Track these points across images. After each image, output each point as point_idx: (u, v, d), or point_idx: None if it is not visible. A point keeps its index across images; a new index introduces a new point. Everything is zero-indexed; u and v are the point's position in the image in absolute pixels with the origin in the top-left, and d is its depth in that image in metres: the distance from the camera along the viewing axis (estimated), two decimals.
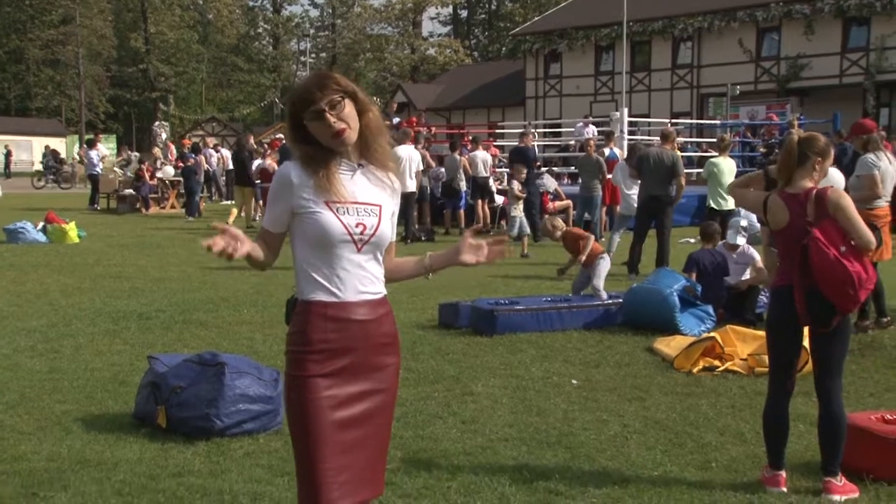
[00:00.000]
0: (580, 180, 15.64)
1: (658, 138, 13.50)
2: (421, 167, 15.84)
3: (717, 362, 6.56)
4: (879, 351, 7.14)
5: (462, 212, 17.20)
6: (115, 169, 25.59)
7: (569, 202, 16.15)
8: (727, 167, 11.67)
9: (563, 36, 39.22)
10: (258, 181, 18.79)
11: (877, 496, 4.13)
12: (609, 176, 14.90)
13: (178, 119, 60.29)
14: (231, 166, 21.87)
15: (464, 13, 72.65)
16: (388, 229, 2.74)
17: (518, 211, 13.85)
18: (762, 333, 5.63)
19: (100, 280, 10.88)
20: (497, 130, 29.18)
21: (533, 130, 22.44)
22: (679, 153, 12.21)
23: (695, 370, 6.45)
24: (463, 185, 17.04)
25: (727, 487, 4.22)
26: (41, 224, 15.52)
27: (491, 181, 17.73)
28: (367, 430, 2.69)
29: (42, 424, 5.14)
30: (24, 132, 57.16)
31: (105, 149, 30.21)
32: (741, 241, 8.85)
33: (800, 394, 4.69)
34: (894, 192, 8.18)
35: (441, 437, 4.95)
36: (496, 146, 23.55)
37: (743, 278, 8.63)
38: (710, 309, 8.02)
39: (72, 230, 15.38)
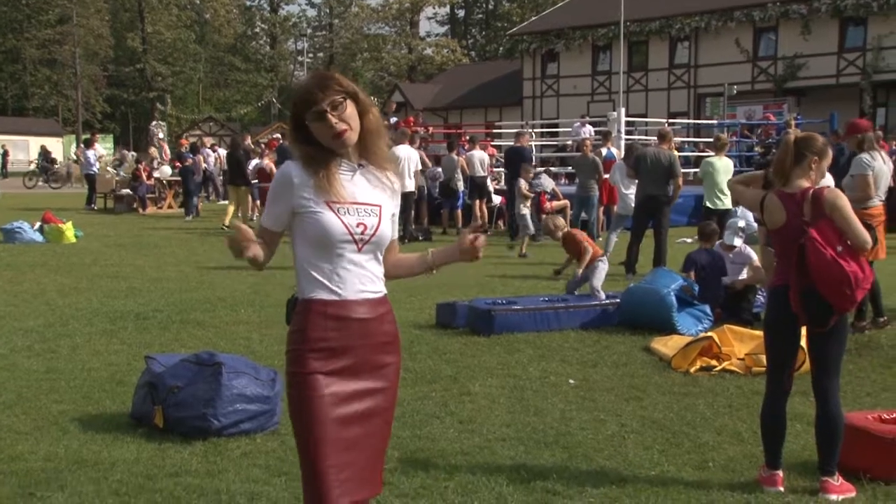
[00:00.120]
0: (577, 180, 15.66)
1: (655, 138, 13.51)
2: (419, 167, 15.85)
3: (714, 362, 6.56)
4: (876, 351, 7.14)
5: (459, 212, 17.21)
6: (108, 168, 25.56)
7: (566, 202, 16.14)
8: (723, 167, 11.68)
9: (560, 36, 39.25)
10: (255, 181, 18.79)
11: (874, 496, 4.13)
12: (606, 176, 14.91)
13: (175, 119, 60.20)
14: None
15: (461, 13, 72.62)
16: (389, 229, 2.76)
17: (527, 209, 13.91)
18: (759, 333, 5.64)
19: (97, 280, 10.87)
20: (494, 130, 29.18)
21: (530, 130, 22.42)
22: (676, 153, 12.22)
23: (692, 370, 6.46)
24: (460, 185, 17.05)
25: (724, 487, 4.22)
26: (38, 224, 15.50)
27: (488, 181, 17.74)
28: (367, 429, 2.70)
29: (39, 424, 5.13)
30: (20, 132, 57.07)
31: (102, 148, 30.17)
32: (738, 242, 8.86)
33: (797, 393, 4.70)
34: (889, 191, 8.19)
35: (438, 436, 4.95)
36: (493, 146, 23.56)
37: (740, 278, 8.64)
38: (708, 309, 8.02)
39: (69, 230, 15.37)
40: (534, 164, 18.57)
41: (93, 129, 49.85)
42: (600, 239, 14.13)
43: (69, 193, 31.04)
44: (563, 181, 22.83)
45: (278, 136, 30.57)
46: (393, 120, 22.23)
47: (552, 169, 21.93)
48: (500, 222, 18.12)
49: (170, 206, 23.36)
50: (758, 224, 6.86)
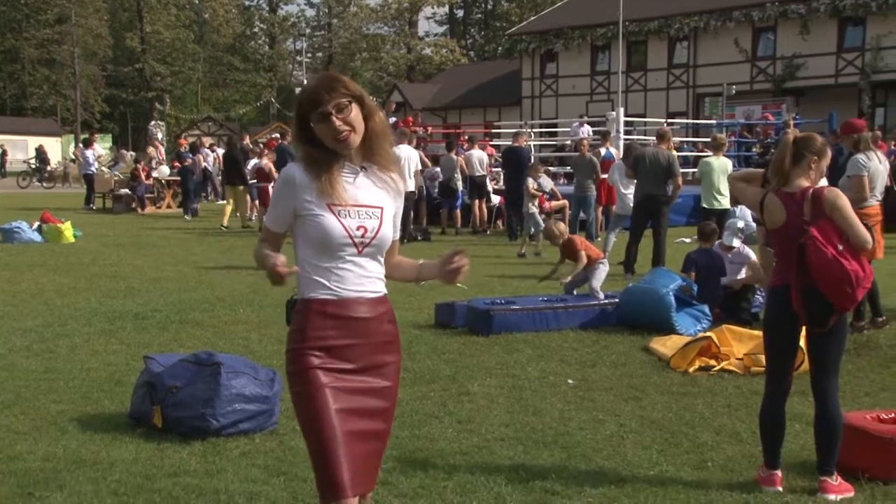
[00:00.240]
0: (574, 180, 15.65)
1: (654, 138, 13.50)
2: (419, 167, 15.85)
3: (713, 362, 6.56)
4: (875, 350, 7.15)
5: (458, 211, 17.21)
6: (103, 168, 25.54)
7: (565, 202, 16.12)
8: (720, 167, 11.66)
9: (559, 36, 39.27)
10: (254, 181, 18.79)
11: (872, 496, 4.13)
12: (604, 176, 14.90)
13: (174, 119, 60.12)
14: None
15: (460, 13, 72.62)
16: (390, 231, 2.77)
17: (536, 208, 13.91)
18: (758, 333, 5.64)
19: (95, 280, 10.86)
20: (493, 130, 29.17)
21: (528, 130, 22.42)
22: (675, 153, 12.22)
23: (691, 370, 6.46)
24: (459, 185, 17.05)
25: (723, 487, 4.22)
26: (37, 224, 15.50)
27: (488, 181, 17.74)
28: (367, 426, 2.71)
29: (38, 424, 5.13)
30: (19, 132, 56.96)
31: (101, 148, 30.16)
32: (737, 243, 8.86)
33: (796, 393, 4.70)
34: (886, 191, 8.19)
35: (437, 436, 4.95)
36: (492, 146, 23.56)
37: (738, 277, 8.64)
38: (707, 308, 8.02)
39: (67, 230, 15.36)
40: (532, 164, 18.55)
41: (91, 128, 49.81)
42: (599, 239, 14.13)
43: (68, 193, 31.04)
44: (561, 181, 22.81)
45: (277, 135, 30.54)
46: (392, 120, 22.21)
47: (551, 169, 21.91)
48: (500, 222, 18.10)
49: (168, 206, 23.35)
50: (757, 224, 6.86)
